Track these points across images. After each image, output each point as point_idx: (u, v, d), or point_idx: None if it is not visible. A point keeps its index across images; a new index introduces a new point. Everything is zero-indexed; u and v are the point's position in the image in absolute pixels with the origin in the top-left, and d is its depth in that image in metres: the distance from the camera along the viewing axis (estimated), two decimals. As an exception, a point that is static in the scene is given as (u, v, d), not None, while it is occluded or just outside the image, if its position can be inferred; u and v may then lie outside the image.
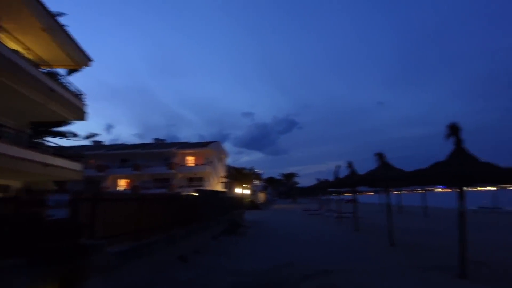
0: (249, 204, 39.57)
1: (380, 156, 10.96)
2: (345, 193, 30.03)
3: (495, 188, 29.06)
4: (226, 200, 19.46)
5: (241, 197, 35.46)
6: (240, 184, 43.61)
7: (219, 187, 41.43)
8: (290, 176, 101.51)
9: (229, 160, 53.37)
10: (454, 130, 7.06)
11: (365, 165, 11.77)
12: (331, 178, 21.26)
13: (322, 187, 26.89)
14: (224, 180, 45.35)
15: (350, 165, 14.14)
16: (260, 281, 6.73)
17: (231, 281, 6.69)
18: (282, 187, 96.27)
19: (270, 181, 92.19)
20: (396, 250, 10.13)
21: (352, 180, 13.71)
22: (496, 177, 6.65)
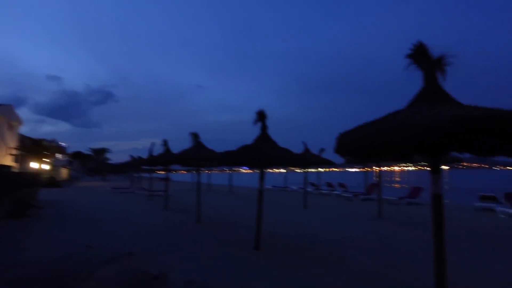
0: (48, 181, 34.44)
1: (194, 136, 11.14)
2: (159, 171, 29.79)
3: (285, 170, 34.51)
4: (13, 177, 16.19)
5: (37, 173, 30.45)
6: (38, 157, 37.34)
7: (8, 161, 34.44)
8: (101, 151, 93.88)
9: (24, 129, 44.96)
10: (261, 116, 7.72)
11: (181, 144, 11.76)
12: (145, 155, 20.61)
13: (135, 165, 25.82)
14: (15, 152, 37.95)
15: (165, 143, 13.90)
16: (50, 272, 5.76)
17: (8, 277, 5.47)
18: (91, 163, 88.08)
19: (78, 156, 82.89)
20: (203, 227, 10.58)
21: (166, 158, 13.54)
22: (289, 161, 7.65)
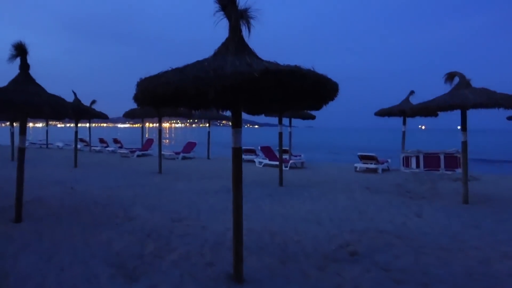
0: None
1: None
2: None
3: (44, 124, 29.51)
4: None
5: None
6: None
7: None
8: None
9: None
10: (20, 51, 5.94)
11: None
12: None
13: None
14: None
15: None
16: None
17: None
18: None
19: None
20: None
21: None
22: (63, 111, 6.24)
